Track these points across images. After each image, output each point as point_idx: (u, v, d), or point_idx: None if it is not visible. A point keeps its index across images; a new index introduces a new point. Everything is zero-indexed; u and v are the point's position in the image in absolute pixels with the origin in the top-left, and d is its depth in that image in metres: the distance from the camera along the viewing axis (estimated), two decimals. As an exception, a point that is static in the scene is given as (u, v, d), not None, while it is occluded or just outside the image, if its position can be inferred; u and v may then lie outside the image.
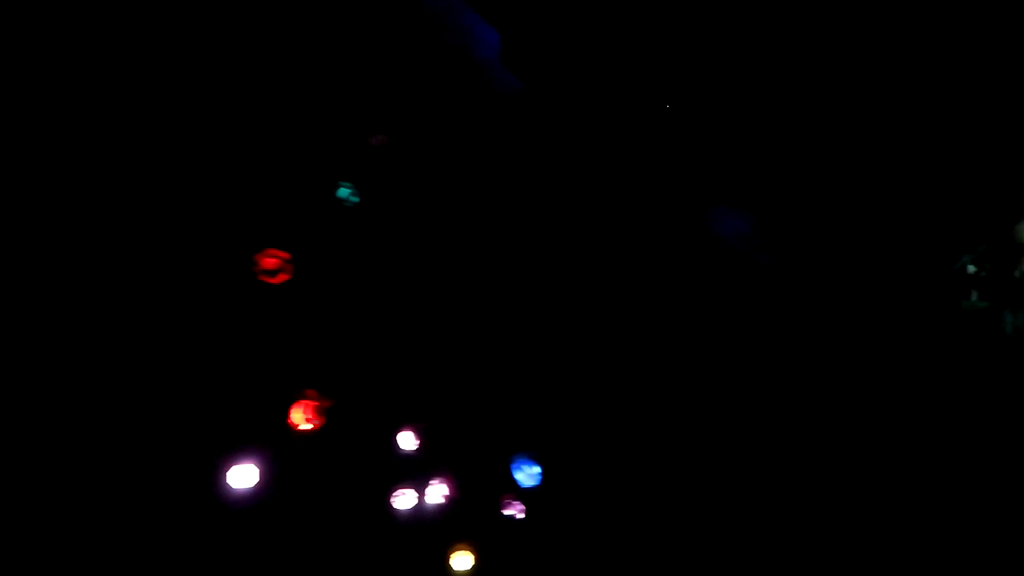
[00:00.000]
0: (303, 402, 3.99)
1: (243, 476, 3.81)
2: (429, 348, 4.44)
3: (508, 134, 4.59)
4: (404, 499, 4.22)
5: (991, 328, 4.88)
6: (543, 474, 4.41)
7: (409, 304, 4.43)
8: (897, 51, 4.95)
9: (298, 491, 4.04)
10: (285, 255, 3.78)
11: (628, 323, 4.79)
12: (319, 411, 4.01)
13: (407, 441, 4.28)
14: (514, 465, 4.42)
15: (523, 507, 4.34)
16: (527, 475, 4.43)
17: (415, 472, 4.23)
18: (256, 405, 3.94)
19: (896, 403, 4.81)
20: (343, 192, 4.16)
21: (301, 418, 3.97)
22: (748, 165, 4.99)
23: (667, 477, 4.63)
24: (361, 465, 4.13)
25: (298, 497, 4.03)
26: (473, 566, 4.16)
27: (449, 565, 4.15)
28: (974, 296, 4.99)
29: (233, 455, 3.80)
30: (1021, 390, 4.88)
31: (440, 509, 4.26)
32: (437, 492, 4.31)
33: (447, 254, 4.53)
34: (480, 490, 4.38)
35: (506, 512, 4.39)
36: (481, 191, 4.59)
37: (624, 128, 4.89)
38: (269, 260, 3.81)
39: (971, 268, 5.00)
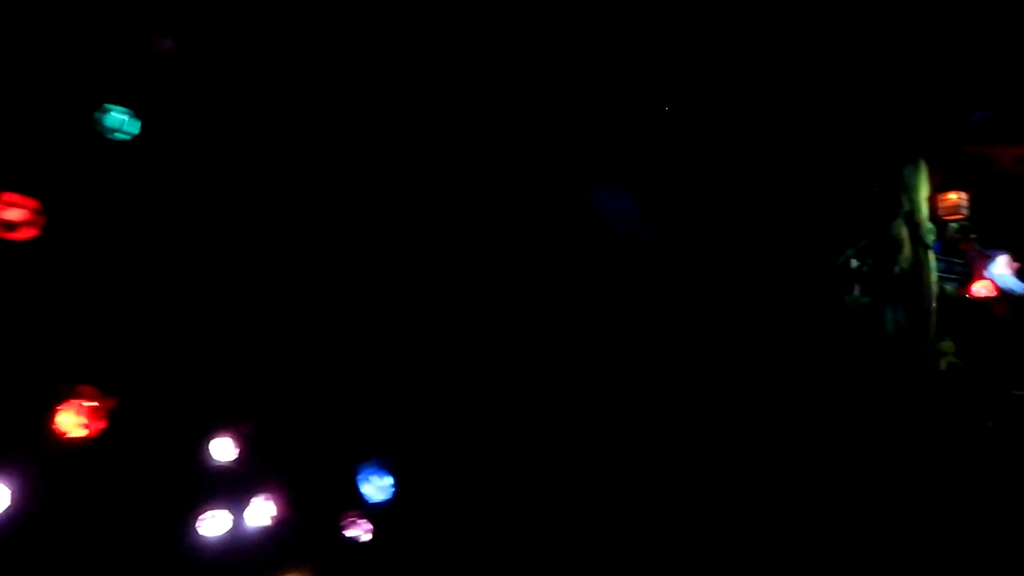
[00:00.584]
0: (73, 401, 2.86)
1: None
2: (250, 326, 3.38)
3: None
4: (215, 523, 3.25)
5: (873, 324, 4.68)
6: (396, 486, 3.62)
7: (224, 264, 3.32)
8: (788, 51, 4.68)
9: (67, 517, 2.94)
10: (32, 203, 2.61)
11: (497, 308, 4.06)
12: (96, 413, 2.89)
13: (222, 449, 3.30)
14: (361, 476, 3.57)
15: (370, 527, 3.51)
16: (376, 488, 3.60)
17: (233, 488, 3.27)
18: (7, 406, 2.78)
19: (774, 395, 4.50)
20: (113, 119, 2.95)
21: (71, 423, 2.85)
22: (633, 145, 4.45)
23: (535, 485, 3.98)
24: (156, 482, 3.09)
25: (67, 525, 2.92)
26: (305, 604, 3.30)
27: (274, 604, 3.27)
28: (856, 291, 4.76)
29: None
30: (901, 384, 4.77)
31: (265, 533, 3.34)
32: (261, 512, 3.37)
33: (265, 200, 3.46)
34: (318, 508, 3.48)
35: (349, 533, 3.54)
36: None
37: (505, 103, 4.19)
38: (8, 208, 2.58)
39: (854, 262, 4.76)
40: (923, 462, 5.01)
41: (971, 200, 5.64)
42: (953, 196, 5.65)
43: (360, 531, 3.50)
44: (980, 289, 5.83)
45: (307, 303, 3.40)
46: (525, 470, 4.01)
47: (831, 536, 4.33)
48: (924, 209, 5.59)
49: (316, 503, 3.39)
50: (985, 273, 5.77)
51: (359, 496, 3.52)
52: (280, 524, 3.25)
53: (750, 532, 4.14)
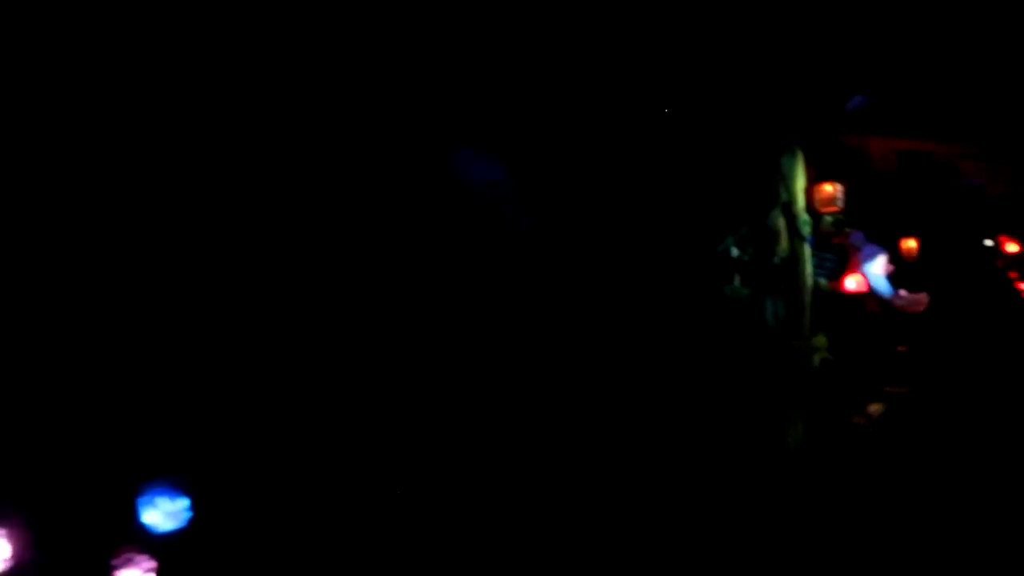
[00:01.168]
0: None
1: None
2: None
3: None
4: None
5: (753, 316, 4.32)
6: (193, 510, 2.82)
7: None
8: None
9: None
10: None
11: (338, 287, 3.35)
12: None
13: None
14: (143, 499, 2.74)
15: (153, 565, 2.69)
16: (164, 514, 2.78)
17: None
18: None
19: (650, 387, 4.07)
20: None
21: None
22: (499, 105, 3.89)
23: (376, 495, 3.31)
24: None
25: None
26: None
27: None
28: (737, 281, 4.40)
29: None
30: (775, 380, 4.46)
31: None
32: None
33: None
34: (77, 543, 2.62)
35: (123, 574, 2.70)
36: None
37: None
38: None
39: (734, 251, 4.39)
40: (793, 458, 4.78)
41: (847, 192, 5.48)
42: (829, 188, 5.46)
43: (138, 571, 2.67)
44: (853, 284, 5.69)
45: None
46: (353, 481, 3.32)
47: (692, 534, 3.92)
48: (801, 200, 5.37)
49: (75, 537, 2.52)
50: (860, 269, 5.66)
51: (139, 525, 2.68)
52: (19, 568, 2.37)
53: (609, 529, 3.66)
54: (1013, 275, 8.41)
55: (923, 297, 5.59)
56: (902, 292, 5.59)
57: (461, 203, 3.47)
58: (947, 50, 4.76)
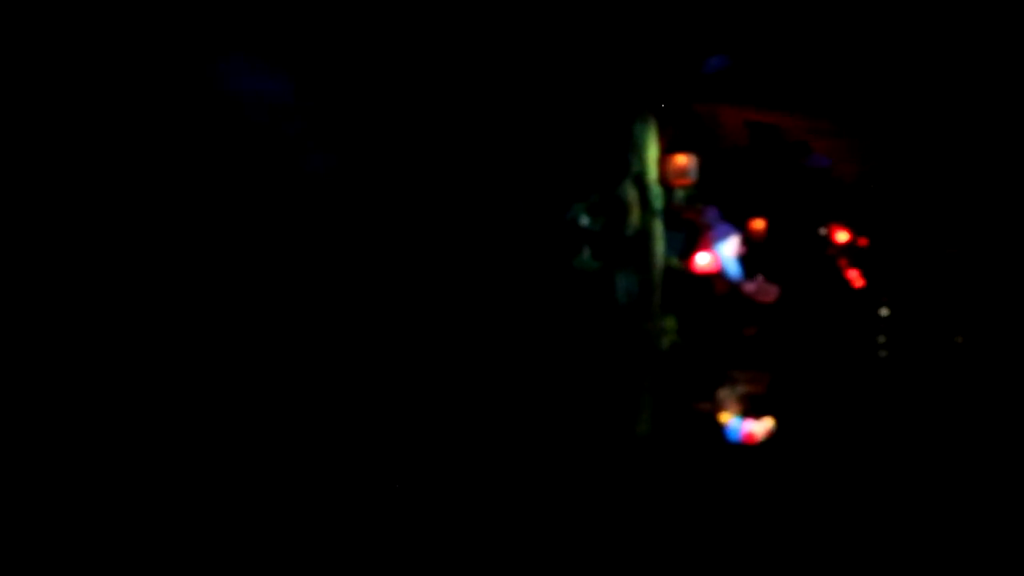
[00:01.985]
0: None
1: None
2: None
3: None
4: None
5: (604, 292, 3.83)
6: None
7: None
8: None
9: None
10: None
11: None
12: None
13: None
14: None
15: None
16: None
17: None
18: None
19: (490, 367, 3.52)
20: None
21: None
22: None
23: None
24: None
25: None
26: None
27: None
28: (586, 253, 3.89)
29: None
30: (631, 361, 4.02)
31: None
32: None
33: None
34: None
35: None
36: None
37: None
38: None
39: (584, 220, 3.89)
40: (641, 448, 4.40)
41: (700, 165, 5.15)
42: (681, 159, 5.11)
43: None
44: (704, 262, 5.39)
45: None
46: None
47: (530, 533, 3.47)
48: (653, 171, 4.99)
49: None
50: (711, 247, 5.37)
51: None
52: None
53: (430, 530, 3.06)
54: (843, 263, 8.66)
55: (774, 289, 5.39)
56: (759, 277, 5.35)
57: (224, 127, 2.60)
58: (804, 18, 4.48)
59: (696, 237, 5.52)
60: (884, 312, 8.89)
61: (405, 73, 3.14)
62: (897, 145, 5.50)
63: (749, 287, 5.08)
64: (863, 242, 8.79)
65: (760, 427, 5.59)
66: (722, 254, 5.54)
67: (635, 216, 4.62)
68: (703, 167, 5.26)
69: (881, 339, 8.51)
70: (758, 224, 6.15)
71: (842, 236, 8.45)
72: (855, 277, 8.66)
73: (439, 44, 3.63)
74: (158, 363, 2.43)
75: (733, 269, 5.64)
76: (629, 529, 4.01)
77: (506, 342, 3.47)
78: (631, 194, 4.62)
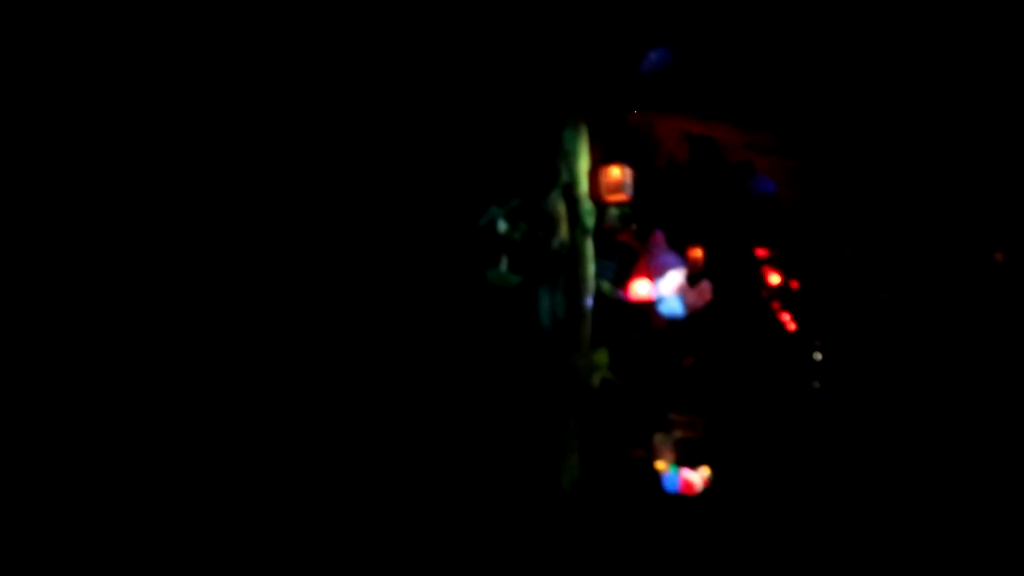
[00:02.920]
0: None
1: None
2: None
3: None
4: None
5: (525, 312, 3.17)
6: None
7: None
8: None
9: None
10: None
11: None
12: None
13: None
14: None
15: None
16: None
17: None
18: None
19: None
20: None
21: None
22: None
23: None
24: None
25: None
26: None
27: None
28: (504, 265, 3.23)
29: None
30: (556, 398, 3.36)
31: None
32: None
33: None
34: None
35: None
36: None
37: None
38: None
39: (502, 226, 3.24)
40: (567, 501, 3.74)
41: (636, 180, 4.60)
42: (616, 172, 4.55)
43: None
44: (642, 291, 4.80)
45: None
46: None
47: None
48: (584, 184, 4.42)
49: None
50: (652, 278, 4.79)
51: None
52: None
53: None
54: (776, 306, 8.32)
55: (705, 286, 4.82)
56: (700, 285, 4.79)
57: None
58: (749, 21, 4.02)
59: (630, 262, 4.95)
60: (817, 356, 8.62)
61: (324, 70, 2.62)
62: (840, 171, 5.09)
63: (689, 298, 4.49)
64: (795, 285, 8.54)
65: (698, 476, 4.99)
66: (662, 290, 4.98)
67: (563, 231, 4.01)
68: (638, 184, 4.73)
69: (815, 384, 8.21)
70: (696, 253, 5.64)
71: (774, 279, 8.15)
72: (787, 320, 8.36)
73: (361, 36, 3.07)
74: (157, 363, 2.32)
75: (675, 307, 5.08)
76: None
77: (405, 363, 2.78)
78: (560, 207, 4.01)
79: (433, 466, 3.06)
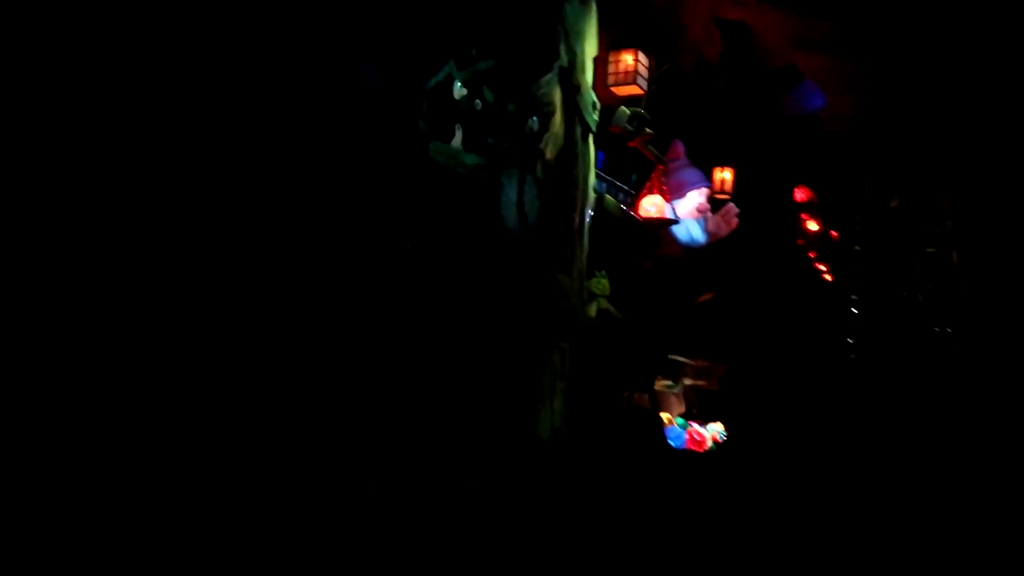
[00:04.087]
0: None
1: None
2: None
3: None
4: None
5: (482, 204, 2.42)
6: None
7: None
8: None
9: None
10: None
11: None
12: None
13: None
14: None
15: None
16: None
17: None
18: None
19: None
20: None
21: None
22: None
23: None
24: None
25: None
26: None
27: None
28: (458, 138, 2.47)
29: None
30: (532, 326, 2.67)
31: None
32: None
33: None
34: None
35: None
36: None
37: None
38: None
39: (459, 90, 2.48)
40: (546, 456, 3.06)
41: (655, 70, 3.76)
42: (628, 57, 3.73)
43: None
44: (651, 208, 4.01)
45: None
46: None
47: None
48: (588, 73, 3.61)
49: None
50: (668, 197, 3.99)
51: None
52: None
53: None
54: (812, 255, 7.50)
55: (732, 210, 4.03)
56: (723, 209, 4.00)
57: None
58: None
59: (644, 176, 4.15)
60: (855, 310, 7.81)
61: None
62: (911, 85, 4.13)
63: (712, 224, 3.70)
64: (834, 235, 7.71)
65: (708, 433, 4.26)
66: (680, 211, 4.19)
67: (557, 126, 3.20)
68: (657, 81, 3.89)
69: (849, 340, 7.41)
70: (725, 175, 4.80)
71: (812, 226, 7.34)
72: (825, 271, 7.56)
73: None
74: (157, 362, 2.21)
75: (694, 231, 4.30)
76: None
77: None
78: (554, 94, 3.20)
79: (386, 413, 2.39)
